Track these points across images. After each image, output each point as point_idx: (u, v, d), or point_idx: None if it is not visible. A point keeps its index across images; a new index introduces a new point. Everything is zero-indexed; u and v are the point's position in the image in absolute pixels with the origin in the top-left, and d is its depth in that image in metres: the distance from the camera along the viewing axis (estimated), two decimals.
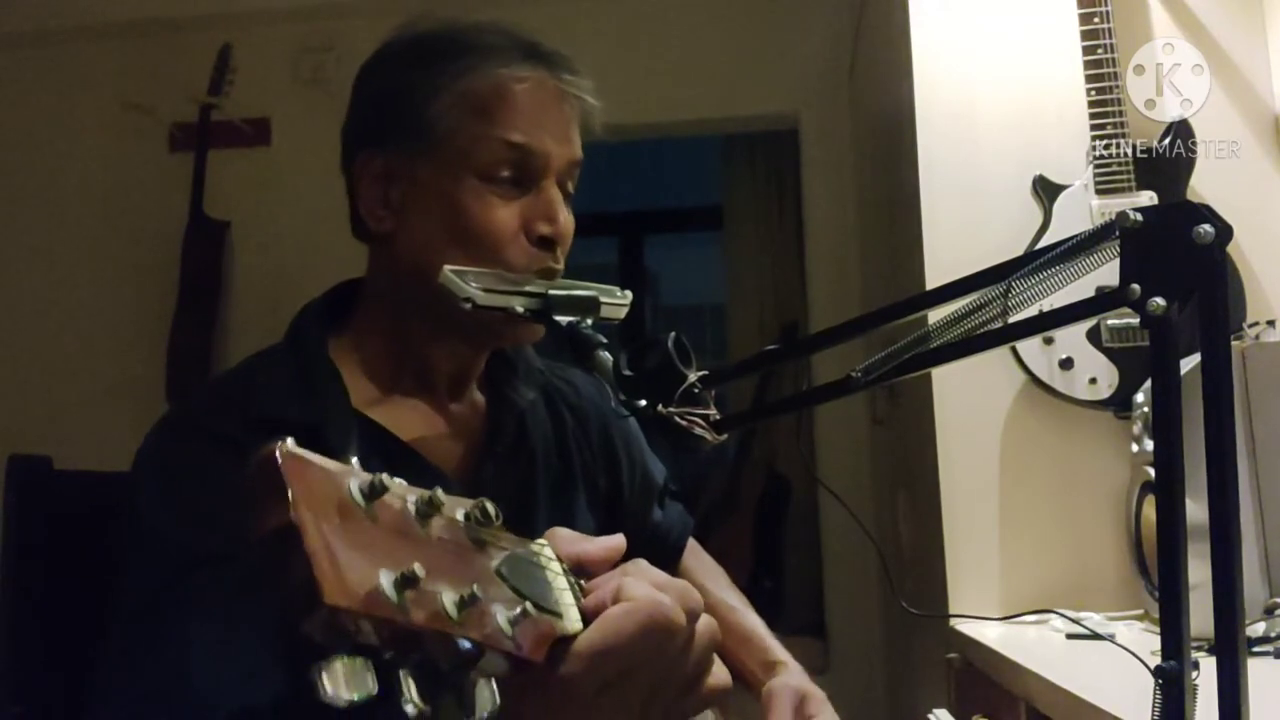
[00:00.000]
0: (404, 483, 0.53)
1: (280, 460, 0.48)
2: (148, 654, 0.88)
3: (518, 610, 0.53)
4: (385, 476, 0.51)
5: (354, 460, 0.52)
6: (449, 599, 0.50)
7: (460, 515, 0.55)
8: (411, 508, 0.53)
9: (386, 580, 0.48)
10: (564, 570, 0.61)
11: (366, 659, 0.48)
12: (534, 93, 1.04)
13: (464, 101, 1.03)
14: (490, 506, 0.56)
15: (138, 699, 0.87)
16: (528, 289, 0.98)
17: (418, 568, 0.49)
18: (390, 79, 1.08)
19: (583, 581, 0.62)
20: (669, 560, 1.28)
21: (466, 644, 0.51)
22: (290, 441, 0.49)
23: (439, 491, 0.54)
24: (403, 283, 1.07)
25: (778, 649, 1.21)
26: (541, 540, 0.62)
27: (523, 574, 0.57)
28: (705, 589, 1.25)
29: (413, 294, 1.05)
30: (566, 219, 1.05)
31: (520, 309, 0.96)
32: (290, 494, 0.47)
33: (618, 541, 0.67)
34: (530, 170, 1.04)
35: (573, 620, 0.58)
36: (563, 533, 0.65)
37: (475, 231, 1.02)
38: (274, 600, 0.47)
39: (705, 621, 0.64)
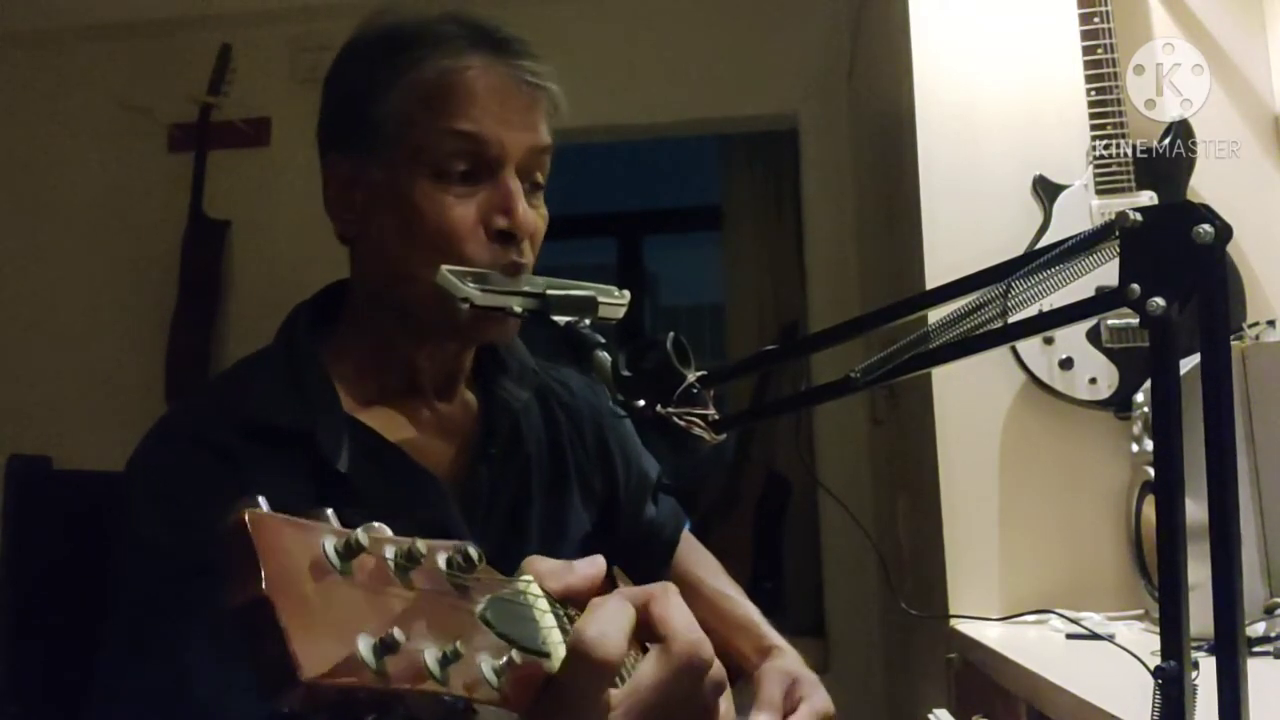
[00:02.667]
0: (385, 530, 0.52)
1: (250, 528, 0.47)
2: (146, 665, 0.88)
3: (503, 659, 0.53)
4: (361, 533, 0.50)
5: (329, 512, 0.51)
6: (431, 656, 0.49)
7: (442, 562, 0.54)
8: (390, 562, 0.51)
9: (365, 646, 0.47)
10: (551, 605, 0.60)
11: None
12: (482, 79, 1.01)
13: (411, 96, 1.01)
14: (473, 551, 0.55)
15: (137, 711, 0.87)
16: (525, 289, 0.98)
17: (396, 632, 0.47)
18: (345, 81, 1.07)
19: (572, 613, 0.61)
20: (663, 555, 1.28)
21: (451, 699, 0.50)
22: (263, 503, 0.48)
23: (418, 542, 0.52)
24: (374, 286, 1.07)
25: (773, 634, 1.20)
26: (527, 576, 0.61)
27: (507, 616, 0.56)
28: (701, 579, 1.25)
29: (385, 296, 1.05)
30: (528, 211, 1.02)
31: (518, 309, 0.95)
32: (261, 567, 0.46)
33: (598, 568, 0.66)
34: (485, 161, 1.01)
35: (560, 659, 0.57)
36: (542, 568, 0.64)
37: (430, 231, 1.00)
38: (252, 673, 0.46)
39: (717, 668, 0.64)
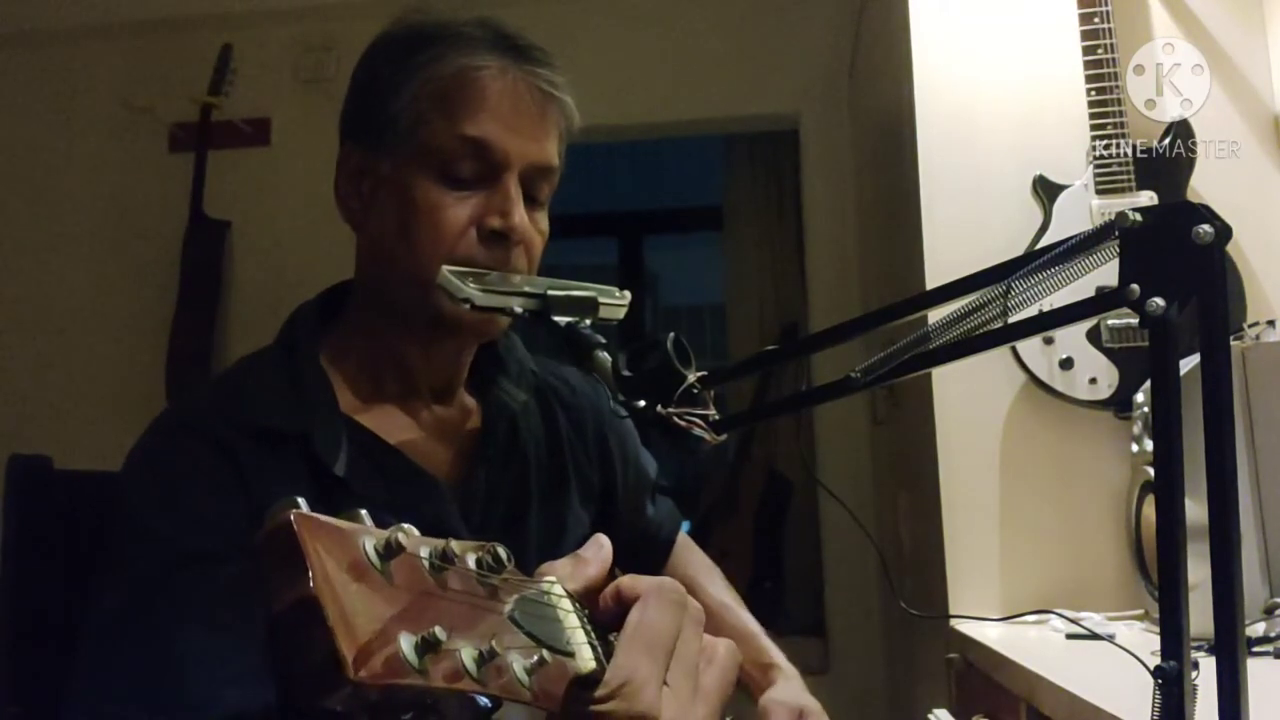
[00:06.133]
0: (416, 532, 0.53)
1: (296, 528, 0.47)
2: (134, 651, 0.88)
3: (534, 658, 0.54)
4: (400, 534, 0.51)
5: (364, 513, 0.51)
6: (468, 656, 0.50)
7: (472, 563, 0.55)
8: (425, 562, 0.52)
9: (407, 645, 0.47)
10: (574, 606, 0.61)
11: None
12: (495, 81, 1.02)
13: (425, 93, 1.02)
14: (502, 552, 0.56)
15: (122, 696, 0.86)
16: (526, 289, 0.97)
17: (439, 631, 0.48)
18: (366, 75, 1.08)
19: (590, 612, 0.62)
20: (660, 556, 1.28)
21: (485, 699, 0.51)
22: (303, 504, 0.48)
23: (452, 543, 0.53)
24: (371, 280, 1.07)
25: (773, 650, 1.20)
26: (550, 578, 0.62)
27: (534, 616, 0.57)
28: (699, 586, 1.25)
29: (382, 291, 1.06)
30: (524, 219, 1.02)
31: (518, 309, 0.95)
32: (309, 566, 0.46)
33: (605, 549, 0.67)
34: (489, 165, 1.02)
35: (585, 659, 0.58)
36: (557, 572, 0.64)
37: (421, 228, 1.01)
38: (293, 671, 0.47)
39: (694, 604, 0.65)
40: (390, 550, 0.50)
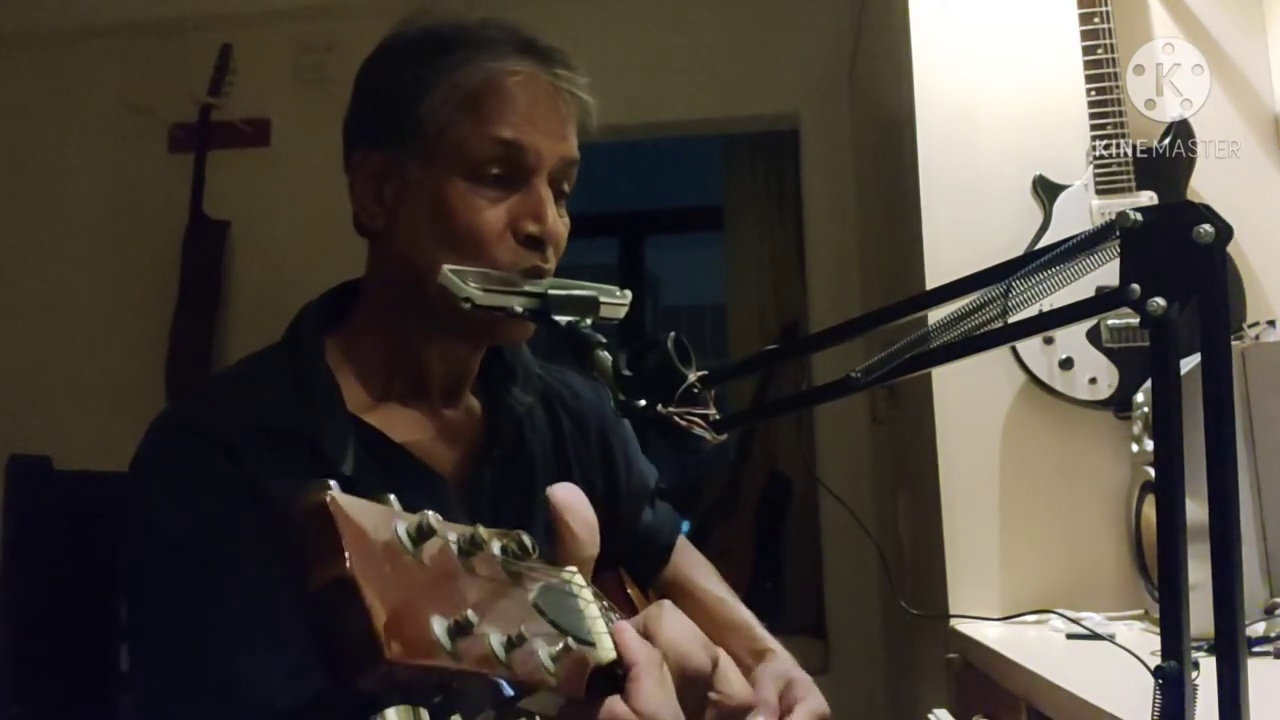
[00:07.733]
0: (440, 518, 0.53)
1: (332, 509, 0.47)
2: (188, 661, 0.89)
3: (559, 646, 0.54)
4: (431, 517, 0.51)
5: (392, 496, 0.51)
6: (496, 640, 0.50)
7: (498, 549, 0.55)
8: (454, 546, 0.53)
9: (440, 628, 0.48)
10: (595, 596, 0.61)
11: (419, 708, 0.48)
12: (525, 87, 1.04)
13: (454, 96, 1.02)
14: (527, 540, 0.56)
15: (187, 705, 0.88)
16: (527, 288, 0.98)
17: (470, 614, 0.49)
18: (385, 76, 1.08)
19: (607, 603, 0.63)
20: (659, 559, 1.28)
21: (509, 688, 0.52)
22: (335, 487, 0.48)
23: (480, 529, 0.54)
24: (394, 281, 1.07)
25: (766, 637, 1.20)
26: (571, 568, 0.62)
27: (557, 605, 0.58)
28: (694, 582, 1.26)
29: (404, 292, 1.05)
30: (556, 219, 1.04)
31: (519, 309, 0.96)
32: (345, 546, 0.47)
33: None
34: (520, 168, 1.03)
35: (605, 649, 0.58)
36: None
37: (460, 231, 1.01)
38: (328, 653, 0.47)
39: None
40: (422, 533, 0.51)
